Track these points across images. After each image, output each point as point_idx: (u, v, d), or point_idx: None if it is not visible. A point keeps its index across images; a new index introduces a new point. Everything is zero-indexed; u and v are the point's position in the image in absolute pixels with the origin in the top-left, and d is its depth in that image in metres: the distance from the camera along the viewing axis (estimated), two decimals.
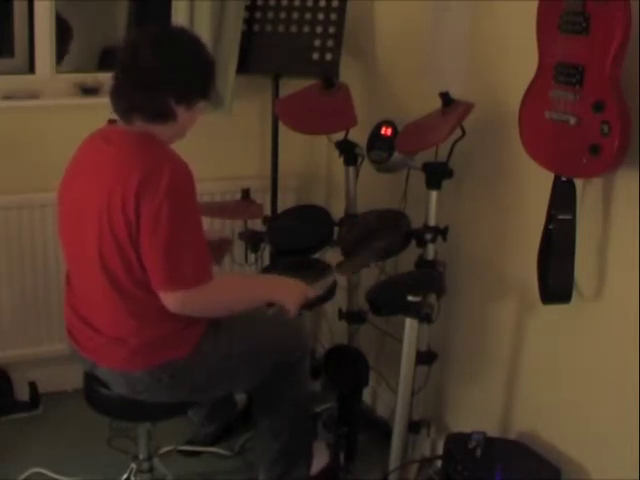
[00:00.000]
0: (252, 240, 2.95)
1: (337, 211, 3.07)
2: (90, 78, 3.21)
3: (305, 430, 2.71)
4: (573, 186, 2.25)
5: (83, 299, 2.34)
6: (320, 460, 2.81)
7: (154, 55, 2.17)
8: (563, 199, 2.27)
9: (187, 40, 2.27)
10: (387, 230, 2.74)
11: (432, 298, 2.58)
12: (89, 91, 3.19)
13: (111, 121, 2.32)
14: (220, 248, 2.64)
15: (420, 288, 2.53)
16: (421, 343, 2.68)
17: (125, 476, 2.65)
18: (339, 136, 2.99)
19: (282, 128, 3.17)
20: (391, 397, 2.89)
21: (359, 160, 2.96)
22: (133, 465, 2.61)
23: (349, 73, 3.14)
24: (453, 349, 2.93)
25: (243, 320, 2.47)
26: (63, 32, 3.51)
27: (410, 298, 2.48)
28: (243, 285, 2.45)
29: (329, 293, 2.73)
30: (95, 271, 2.22)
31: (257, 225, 3.06)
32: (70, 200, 2.31)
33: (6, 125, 3.09)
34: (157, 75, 2.18)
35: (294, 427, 2.61)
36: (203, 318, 2.32)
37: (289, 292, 2.40)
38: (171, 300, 2.19)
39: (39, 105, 3.14)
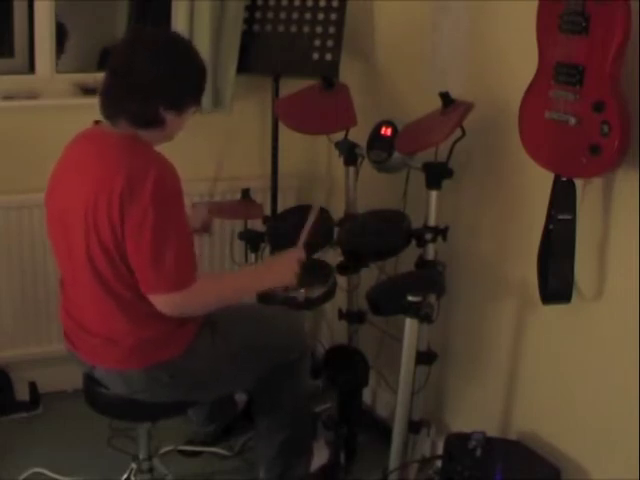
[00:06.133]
0: (252, 240, 2.96)
1: (337, 211, 3.07)
2: (90, 78, 3.21)
3: (305, 429, 2.71)
4: (573, 186, 2.25)
5: (76, 302, 2.34)
6: (320, 458, 2.81)
7: (147, 61, 2.17)
8: (563, 199, 2.27)
9: (181, 47, 2.26)
10: (387, 229, 2.75)
11: (432, 298, 2.59)
12: (89, 91, 3.19)
13: (97, 122, 2.31)
14: (205, 224, 2.71)
15: (420, 288, 2.53)
16: (421, 343, 2.68)
17: (125, 476, 2.65)
18: (339, 136, 2.99)
19: (282, 128, 3.17)
20: (391, 397, 2.89)
21: (359, 160, 2.96)
22: (133, 465, 2.61)
23: (349, 73, 3.14)
24: (453, 349, 2.93)
25: (241, 319, 2.48)
26: (58, 33, 3.51)
27: (410, 298, 2.48)
28: (231, 280, 2.46)
29: (329, 294, 2.73)
30: (84, 273, 2.23)
31: (257, 225, 3.06)
32: (57, 203, 2.31)
33: (6, 125, 3.08)
34: (149, 81, 2.17)
35: (293, 426, 2.62)
36: (198, 316, 2.33)
37: (278, 273, 2.42)
38: (161, 303, 2.20)
39: (39, 105, 3.14)
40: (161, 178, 2.14)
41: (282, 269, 2.42)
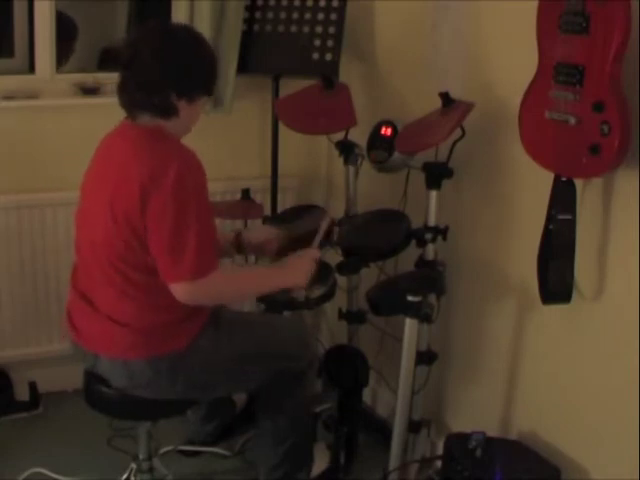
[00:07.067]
0: None
1: (337, 211, 3.07)
2: (90, 78, 3.21)
3: (307, 434, 2.72)
4: (573, 186, 2.25)
5: (89, 282, 2.36)
6: (320, 463, 2.81)
7: (154, 53, 2.21)
8: (563, 199, 2.27)
9: (187, 37, 2.29)
10: (387, 229, 2.75)
11: (432, 298, 2.59)
12: (89, 91, 3.19)
13: (127, 117, 2.35)
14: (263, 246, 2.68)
15: (420, 288, 2.53)
16: (421, 343, 2.68)
17: (125, 476, 2.65)
18: (339, 136, 2.99)
19: (282, 128, 3.17)
20: (391, 397, 2.89)
21: (359, 160, 2.96)
22: (133, 465, 2.61)
23: (349, 73, 3.14)
24: (453, 349, 2.93)
25: (249, 324, 2.50)
26: (69, 30, 3.52)
27: (410, 298, 2.48)
28: (250, 276, 2.48)
29: (329, 294, 2.72)
30: (101, 252, 2.26)
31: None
32: (85, 191, 2.37)
33: (6, 125, 3.09)
34: (156, 73, 2.21)
35: (297, 432, 2.62)
36: (203, 312, 2.35)
37: (295, 274, 2.45)
38: (178, 291, 2.23)
39: (39, 105, 3.14)
40: (183, 169, 2.19)
41: (299, 267, 2.46)
